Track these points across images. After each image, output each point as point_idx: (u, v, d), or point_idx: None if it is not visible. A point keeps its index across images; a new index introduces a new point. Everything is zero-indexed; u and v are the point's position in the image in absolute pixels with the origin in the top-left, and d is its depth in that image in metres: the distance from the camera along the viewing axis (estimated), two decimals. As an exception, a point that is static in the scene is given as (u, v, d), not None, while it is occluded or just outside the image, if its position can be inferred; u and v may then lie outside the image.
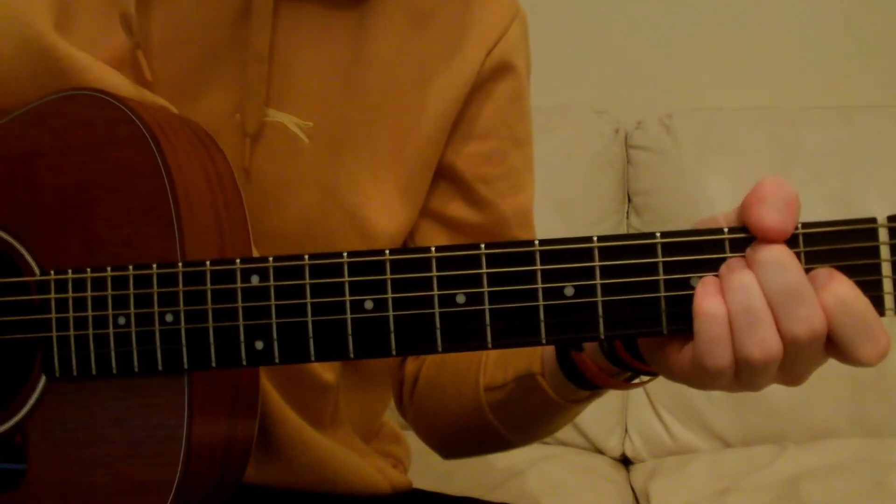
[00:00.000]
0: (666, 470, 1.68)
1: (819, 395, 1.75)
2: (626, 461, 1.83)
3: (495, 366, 0.86)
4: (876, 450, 1.67)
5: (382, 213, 0.89)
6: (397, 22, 0.89)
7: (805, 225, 0.59)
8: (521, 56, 0.95)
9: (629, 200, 1.97)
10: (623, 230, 1.94)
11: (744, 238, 0.60)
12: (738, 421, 1.77)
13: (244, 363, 0.68)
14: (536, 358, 0.80)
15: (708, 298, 0.59)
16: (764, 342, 0.58)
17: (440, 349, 0.63)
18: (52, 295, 0.73)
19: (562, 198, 1.88)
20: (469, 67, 0.91)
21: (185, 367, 0.69)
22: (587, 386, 0.77)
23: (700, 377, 0.61)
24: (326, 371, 0.92)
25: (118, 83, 0.82)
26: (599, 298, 0.62)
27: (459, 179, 0.93)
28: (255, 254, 0.81)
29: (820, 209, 1.80)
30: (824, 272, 0.58)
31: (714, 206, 1.81)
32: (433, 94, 0.90)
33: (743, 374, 0.60)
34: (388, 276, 0.64)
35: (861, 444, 1.71)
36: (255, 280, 0.67)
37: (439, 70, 0.90)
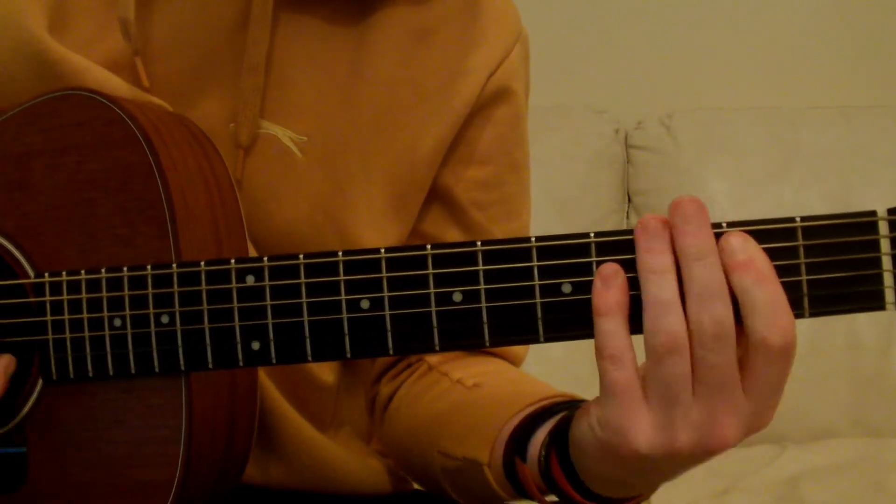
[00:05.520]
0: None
1: (819, 395, 1.74)
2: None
3: (454, 435, 0.83)
4: (876, 450, 1.67)
5: (372, 230, 0.88)
6: (398, 39, 0.87)
7: (804, 219, 0.59)
8: (522, 80, 0.94)
9: (629, 200, 1.98)
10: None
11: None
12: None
13: (241, 364, 0.67)
14: (487, 448, 0.77)
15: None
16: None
17: (438, 348, 0.63)
18: (47, 297, 0.72)
19: (562, 198, 1.88)
20: (469, 90, 0.89)
21: (182, 368, 0.69)
22: (523, 495, 0.74)
23: (657, 373, 0.58)
24: (326, 372, 0.91)
25: (115, 85, 0.81)
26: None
27: (454, 203, 0.92)
28: (252, 253, 0.81)
29: (819, 209, 1.80)
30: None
31: (714, 206, 1.81)
32: (431, 115, 0.88)
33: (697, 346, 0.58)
34: (384, 274, 0.64)
35: (861, 444, 1.71)
36: (250, 280, 0.66)
37: (439, 90, 0.88)
